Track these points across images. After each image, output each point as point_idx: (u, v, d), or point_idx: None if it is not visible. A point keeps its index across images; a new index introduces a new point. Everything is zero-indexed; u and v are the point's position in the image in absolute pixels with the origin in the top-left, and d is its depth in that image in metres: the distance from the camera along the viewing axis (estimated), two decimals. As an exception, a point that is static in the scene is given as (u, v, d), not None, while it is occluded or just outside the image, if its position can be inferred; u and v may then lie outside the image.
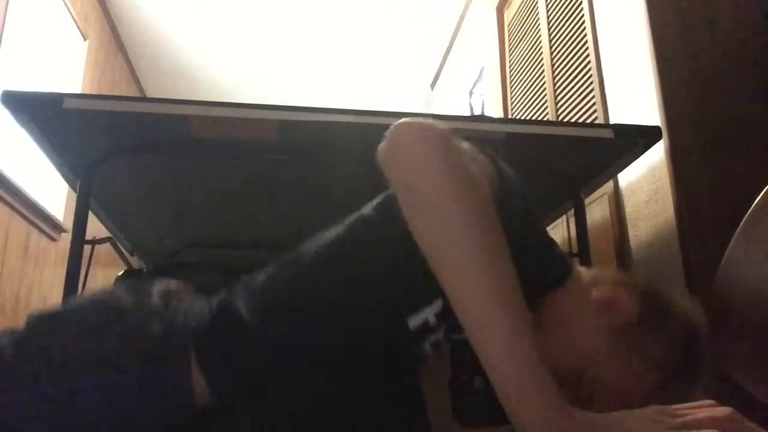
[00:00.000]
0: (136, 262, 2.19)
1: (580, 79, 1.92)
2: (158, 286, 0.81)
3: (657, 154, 1.45)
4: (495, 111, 2.77)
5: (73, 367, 0.69)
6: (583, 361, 0.67)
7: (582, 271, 0.76)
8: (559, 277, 0.74)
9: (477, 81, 3.21)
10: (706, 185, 1.37)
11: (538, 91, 2.31)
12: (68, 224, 2.52)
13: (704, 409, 0.50)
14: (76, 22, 3.06)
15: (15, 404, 0.66)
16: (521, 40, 2.53)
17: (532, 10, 2.39)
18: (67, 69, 3.03)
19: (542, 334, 0.58)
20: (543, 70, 2.25)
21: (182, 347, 0.70)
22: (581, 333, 0.70)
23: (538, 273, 0.69)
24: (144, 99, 3.71)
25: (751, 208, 0.45)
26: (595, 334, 0.68)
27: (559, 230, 2.03)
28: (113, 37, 3.74)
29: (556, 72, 2.13)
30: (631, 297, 0.67)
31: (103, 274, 3.20)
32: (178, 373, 0.68)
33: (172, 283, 0.85)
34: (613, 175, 1.61)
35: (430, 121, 0.60)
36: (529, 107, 2.40)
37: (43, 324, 0.75)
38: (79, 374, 0.69)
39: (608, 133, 1.34)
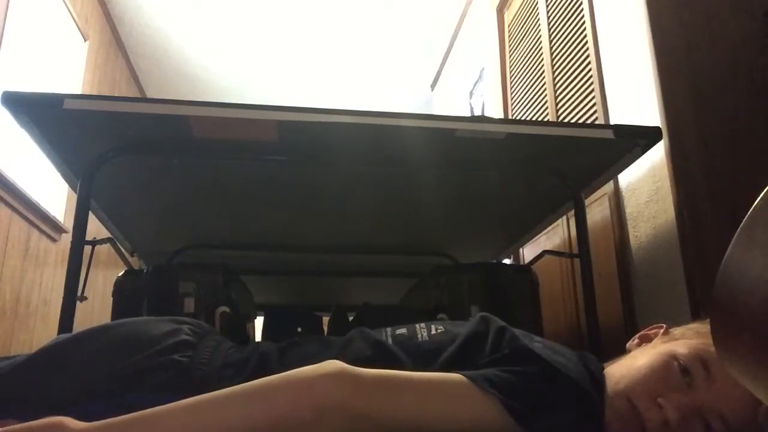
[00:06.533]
0: (136, 262, 2.19)
1: (580, 79, 1.92)
2: (189, 323, 0.87)
3: (657, 154, 1.45)
4: (495, 111, 2.78)
5: (104, 387, 0.74)
6: None
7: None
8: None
9: (477, 81, 3.21)
10: (706, 186, 1.37)
11: (538, 91, 2.31)
12: (68, 225, 2.52)
13: None
14: (76, 23, 3.06)
15: None
16: (521, 40, 2.53)
17: (532, 10, 2.39)
18: (67, 70, 3.03)
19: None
20: (543, 71, 2.25)
21: (206, 379, 0.75)
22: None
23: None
24: (144, 99, 3.71)
25: (752, 208, 0.45)
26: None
27: (559, 230, 2.03)
28: (113, 37, 3.74)
29: (556, 72, 2.13)
30: None
31: (104, 275, 3.20)
32: None
33: (204, 324, 0.91)
34: (614, 176, 1.60)
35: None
36: (529, 107, 2.40)
37: (68, 347, 0.80)
38: (109, 392, 0.73)
39: (608, 134, 1.34)
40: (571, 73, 2.00)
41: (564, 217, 1.95)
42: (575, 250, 1.60)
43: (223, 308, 1.58)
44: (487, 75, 2.99)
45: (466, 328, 0.84)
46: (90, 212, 1.40)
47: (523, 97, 2.48)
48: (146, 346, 0.77)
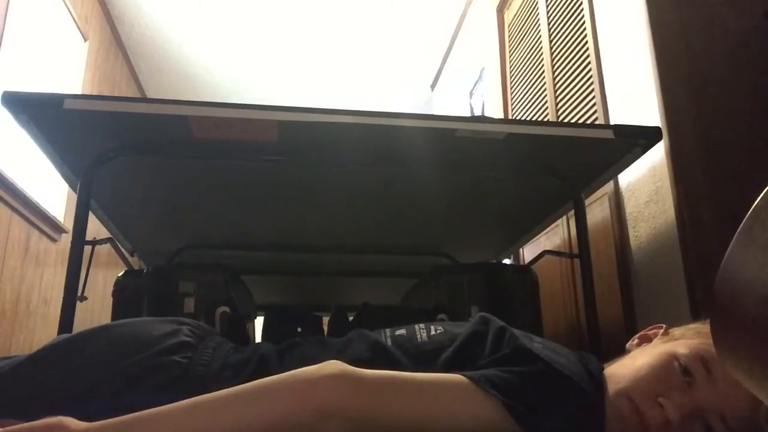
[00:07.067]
0: (136, 262, 2.19)
1: (580, 79, 1.92)
2: (190, 324, 0.87)
3: (657, 154, 1.45)
4: (495, 111, 2.78)
5: (103, 387, 0.74)
6: None
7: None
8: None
9: (477, 81, 3.21)
10: (706, 186, 1.37)
11: (538, 91, 2.31)
12: (69, 225, 2.52)
13: None
14: (76, 23, 3.06)
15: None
16: (521, 40, 2.53)
17: (533, 10, 2.39)
18: (67, 70, 3.03)
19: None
20: (543, 71, 2.25)
21: (206, 380, 0.75)
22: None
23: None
24: (144, 99, 3.71)
25: (751, 208, 0.45)
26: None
27: (559, 230, 2.03)
28: (113, 37, 3.74)
29: (556, 72, 2.13)
30: None
31: (104, 275, 3.20)
32: None
33: (204, 325, 0.91)
34: (614, 176, 1.61)
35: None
36: (529, 107, 2.40)
37: (67, 347, 0.80)
38: (108, 392, 0.73)
39: (608, 134, 1.34)
40: (571, 73, 2.00)
41: (564, 217, 1.95)
42: (575, 250, 1.60)
43: (223, 308, 1.58)
44: (487, 75, 2.99)
45: (465, 328, 0.84)
46: (90, 212, 1.40)
47: (523, 97, 2.48)
48: (146, 346, 0.77)
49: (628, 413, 0.72)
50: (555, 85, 2.13)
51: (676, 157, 1.40)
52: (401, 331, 0.87)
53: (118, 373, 0.74)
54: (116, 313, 1.60)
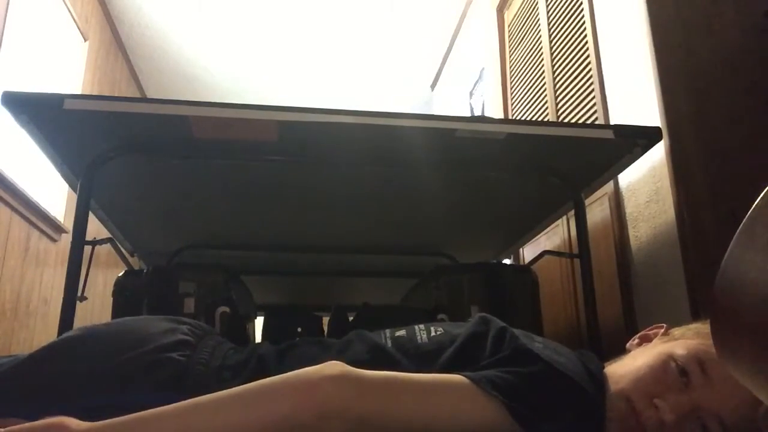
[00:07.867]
0: (136, 262, 2.19)
1: (580, 80, 1.92)
2: (189, 324, 0.87)
3: (657, 154, 1.45)
4: (495, 111, 2.78)
5: (102, 385, 0.74)
6: None
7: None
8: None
9: (477, 81, 3.21)
10: (706, 186, 1.37)
11: (538, 91, 2.31)
12: (69, 225, 2.52)
13: None
14: (76, 23, 3.06)
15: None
16: (521, 40, 2.53)
17: (533, 10, 2.39)
18: (67, 70, 3.03)
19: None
20: (543, 71, 2.25)
21: (205, 380, 0.75)
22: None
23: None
24: (144, 99, 3.71)
25: (751, 208, 0.45)
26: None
27: (559, 230, 2.03)
28: (113, 37, 3.74)
29: (556, 72, 2.13)
30: None
31: (104, 275, 3.20)
32: None
33: (204, 325, 0.92)
34: (614, 176, 1.60)
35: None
36: (529, 108, 2.40)
37: (66, 346, 0.80)
38: (107, 390, 0.73)
39: (608, 134, 1.34)
40: (571, 73, 2.00)
41: (564, 217, 1.95)
42: (575, 250, 1.60)
43: (223, 308, 1.58)
44: (487, 75, 2.99)
45: (465, 329, 0.84)
46: (90, 212, 1.40)
47: (523, 97, 2.48)
48: (144, 343, 0.77)
49: (627, 413, 0.72)
50: (555, 85, 2.13)
51: (676, 157, 1.40)
52: (401, 332, 0.87)
53: (116, 370, 0.74)
54: (116, 313, 1.60)
